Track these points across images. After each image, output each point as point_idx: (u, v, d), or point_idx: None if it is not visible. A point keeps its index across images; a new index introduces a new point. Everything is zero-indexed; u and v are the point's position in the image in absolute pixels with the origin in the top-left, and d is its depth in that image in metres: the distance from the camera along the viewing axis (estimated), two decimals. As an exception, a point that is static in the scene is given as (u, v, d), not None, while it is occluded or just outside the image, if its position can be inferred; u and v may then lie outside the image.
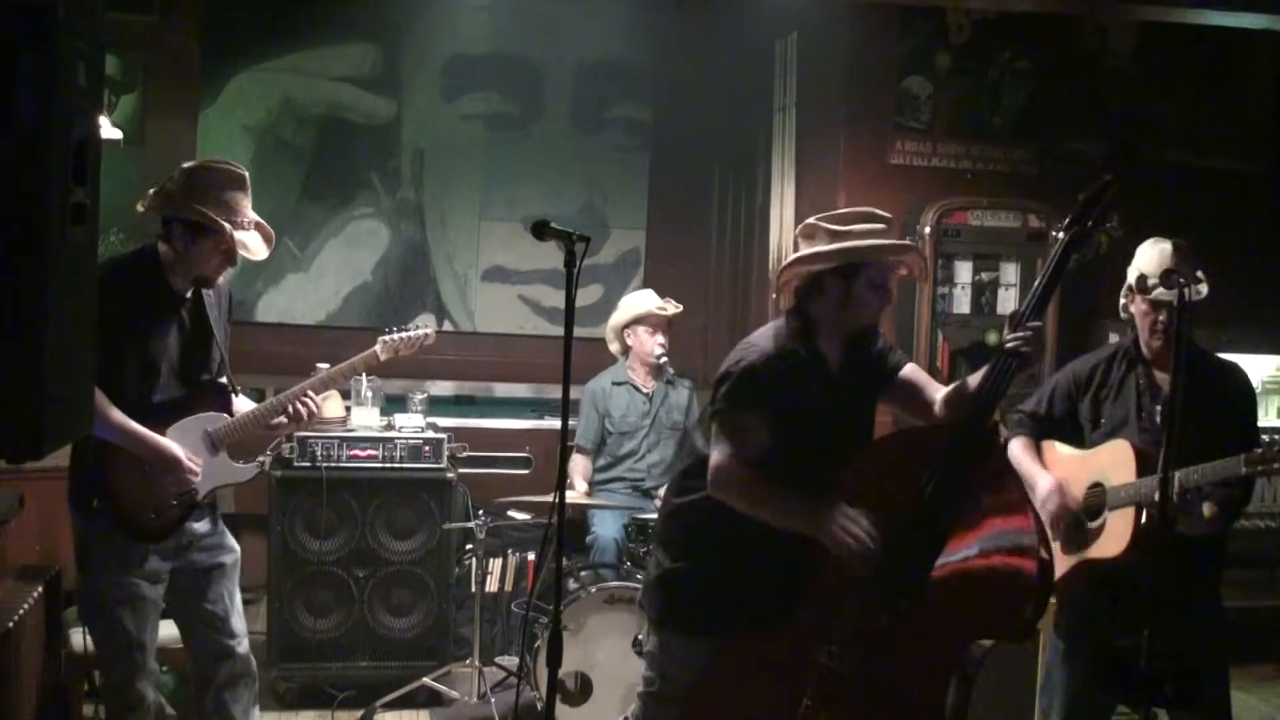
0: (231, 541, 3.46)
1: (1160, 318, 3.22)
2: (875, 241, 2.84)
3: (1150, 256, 3.27)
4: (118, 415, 3.16)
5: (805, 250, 2.89)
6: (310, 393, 3.46)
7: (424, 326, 3.82)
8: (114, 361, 3.17)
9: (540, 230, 2.78)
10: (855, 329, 2.91)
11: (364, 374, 4.45)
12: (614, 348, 5.06)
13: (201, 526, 3.37)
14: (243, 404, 3.48)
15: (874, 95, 5.00)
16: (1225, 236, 4.72)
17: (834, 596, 2.72)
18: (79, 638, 3.87)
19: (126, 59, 5.57)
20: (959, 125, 5.04)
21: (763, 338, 2.90)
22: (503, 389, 6.27)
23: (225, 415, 3.38)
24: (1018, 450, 3.41)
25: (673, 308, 4.92)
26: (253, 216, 3.31)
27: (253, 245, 3.29)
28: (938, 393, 2.92)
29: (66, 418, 1.92)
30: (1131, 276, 3.31)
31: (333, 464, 4.55)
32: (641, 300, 4.98)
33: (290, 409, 3.42)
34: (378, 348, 3.68)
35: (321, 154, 6.01)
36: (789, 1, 5.15)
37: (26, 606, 3.43)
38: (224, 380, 3.39)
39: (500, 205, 6.22)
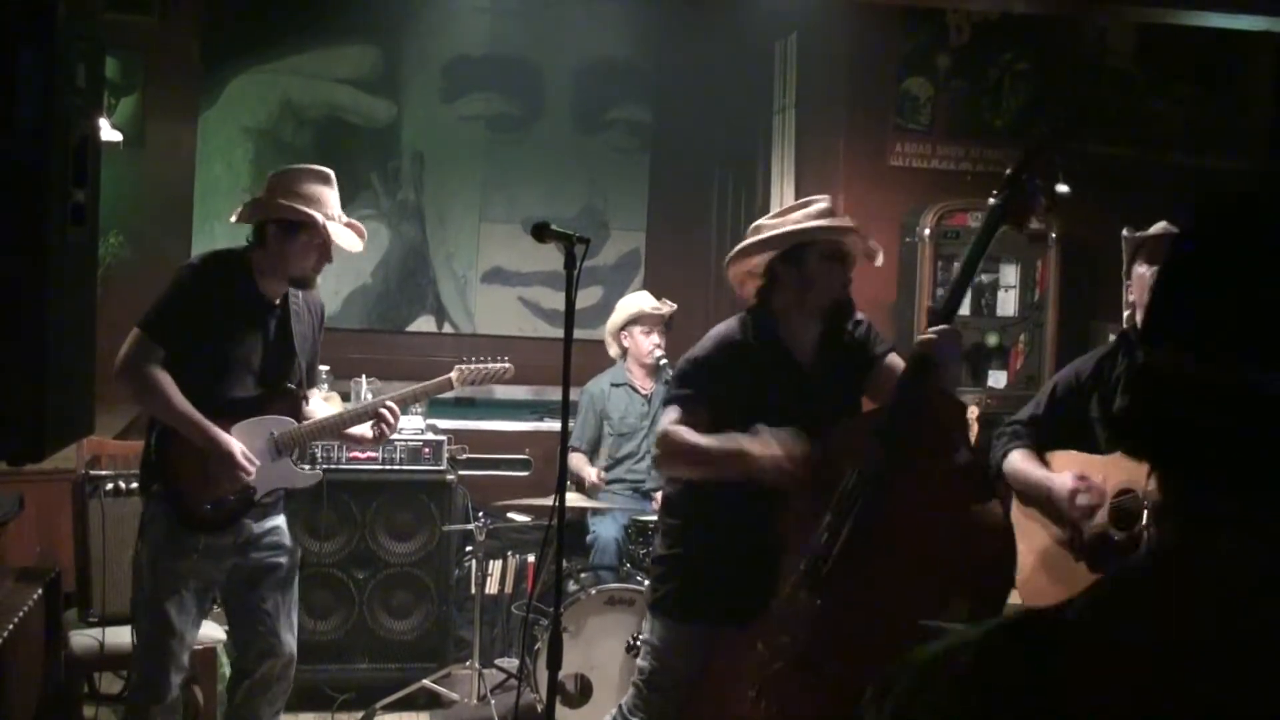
0: (292, 543, 3.49)
1: None
2: (810, 225, 2.89)
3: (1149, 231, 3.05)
4: (180, 401, 3.19)
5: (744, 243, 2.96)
6: (392, 403, 3.48)
7: (503, 360, 3.79)
8: (190, 352, 3.23)
9: (540, 232, 2.80)
10: (823, 309, 2.93)
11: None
12: (613, 351, 5.06)
13: (260, 526, 3.39)
14: (315, 409, 3.53)
15: (874, 96, 4.99)
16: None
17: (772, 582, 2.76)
18: (79, 639, 3.86)
19: (126, 60, 5.56)
20: (959, 126, 5.03)
21: (718, 329, 3.00)
22: (502, 391, 6.24)
23: (293, 420, 3.40)
24: (1018, 461, 3.07)
25: (667, 307, 4.92)
26: (344, 215, 3.35)
27: (346, 239, 3.31)
28: None
29: (67, 419, 1.92)
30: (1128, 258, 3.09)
31: (332, 466, 4.55)
32: (636, 301, 4.97)
33: (379, 416, 3.44)
34: (454, 375, 3.68)
35: (321, 155, 5.98)
36: (789, 2, 5.14)
37: (27, 608, 3.42)
38: (294, 387, 3.41)
39: (500, 206, 6.22)
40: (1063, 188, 2.65)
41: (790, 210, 2.99)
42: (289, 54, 5.96)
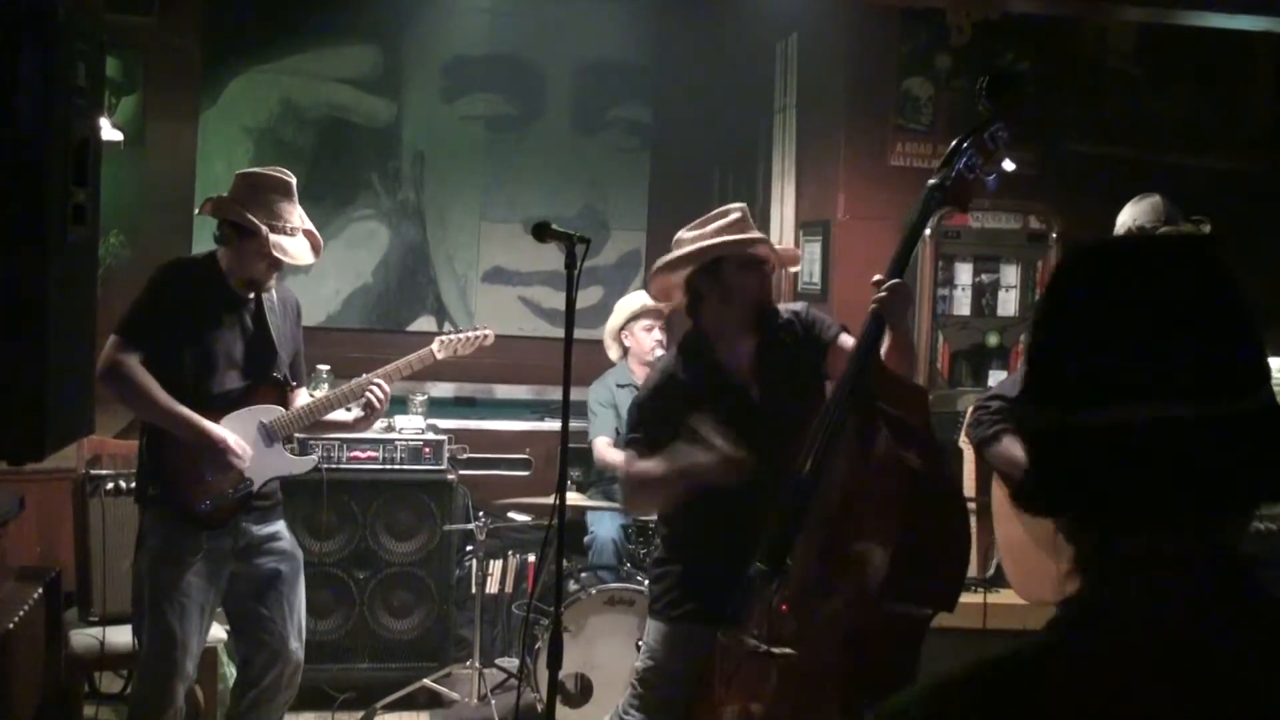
0: (293, 548, 3.48)
1: None
2: (717, 240, 2.96)
3: (1142, 208, 3.06)
4: (164, 399, 3.20)
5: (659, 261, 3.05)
6: (381, 381, 3.48)
7: (483, 328, 3.83)
8: (170, 351, 3.25)
9: (541, 232, 2.80)
10: (750, 315, 2.97)
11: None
12: (613, 354, 5.03)
13: (261, 531, 3.39)
14: (303, 400, 3.54)
15: (874, 96, 4.99)
16: (1226, 237, 4.70)
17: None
18: (79, 639, 3.87)
19: (126, 59, 5.56)
20: (960, 126, 4.99)
21: (654, 370, 3.13)
22: (503, 390, 6.25)
23: (280, 408, 3.41)
24: (1010, 447, 3.07)
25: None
26: (301, 224, 3.36)
27: (295, 251, 3.34)
28: None
29: (67, 418, 1.92)
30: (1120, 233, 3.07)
31: (333, 465, 4.55)
32: (636, 298, 4.97)
33: (369, 396, 3.45)
34: (435, 346, 3.71)
35: (321, 155, 6.00)
36: (789, 2, 5.14)
37: (27, 607, 3.42)
38: (280, 376, 3.43)
39: (500, 206, 6.22)
40: (1009, 165, 2.63)
41: (706, 222, 3.04)
42: (289, 54, 5.96)
